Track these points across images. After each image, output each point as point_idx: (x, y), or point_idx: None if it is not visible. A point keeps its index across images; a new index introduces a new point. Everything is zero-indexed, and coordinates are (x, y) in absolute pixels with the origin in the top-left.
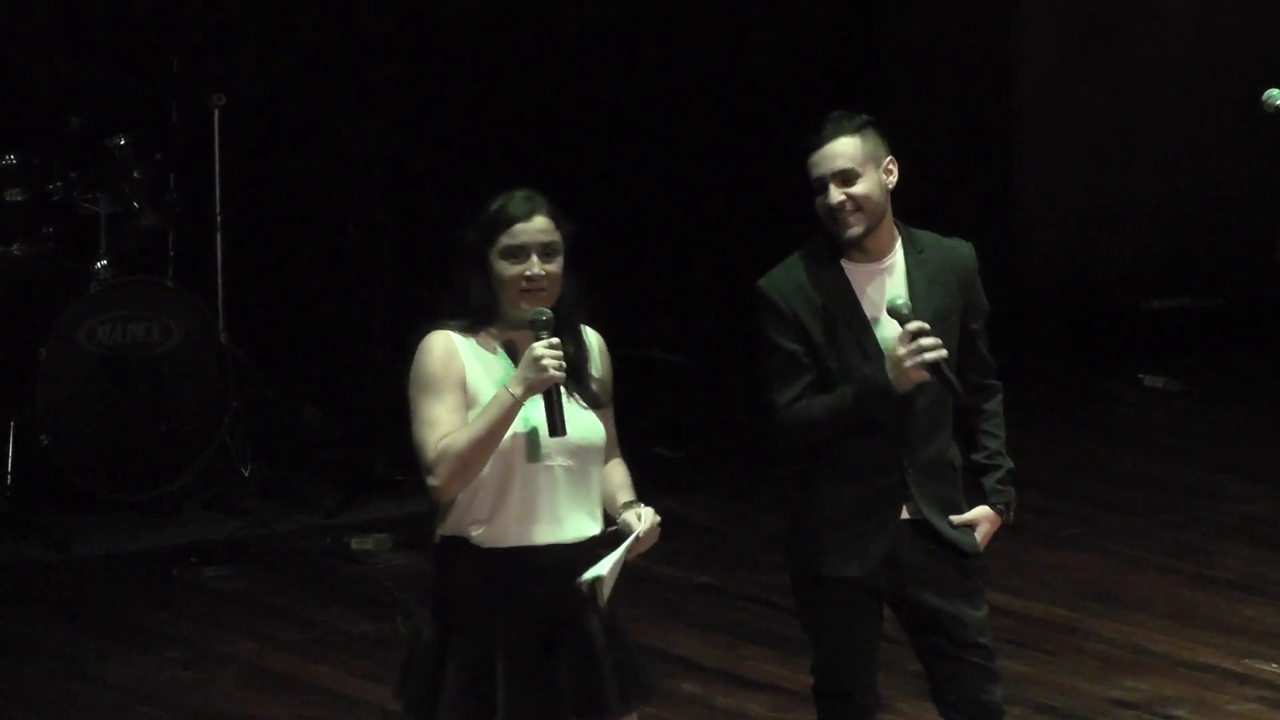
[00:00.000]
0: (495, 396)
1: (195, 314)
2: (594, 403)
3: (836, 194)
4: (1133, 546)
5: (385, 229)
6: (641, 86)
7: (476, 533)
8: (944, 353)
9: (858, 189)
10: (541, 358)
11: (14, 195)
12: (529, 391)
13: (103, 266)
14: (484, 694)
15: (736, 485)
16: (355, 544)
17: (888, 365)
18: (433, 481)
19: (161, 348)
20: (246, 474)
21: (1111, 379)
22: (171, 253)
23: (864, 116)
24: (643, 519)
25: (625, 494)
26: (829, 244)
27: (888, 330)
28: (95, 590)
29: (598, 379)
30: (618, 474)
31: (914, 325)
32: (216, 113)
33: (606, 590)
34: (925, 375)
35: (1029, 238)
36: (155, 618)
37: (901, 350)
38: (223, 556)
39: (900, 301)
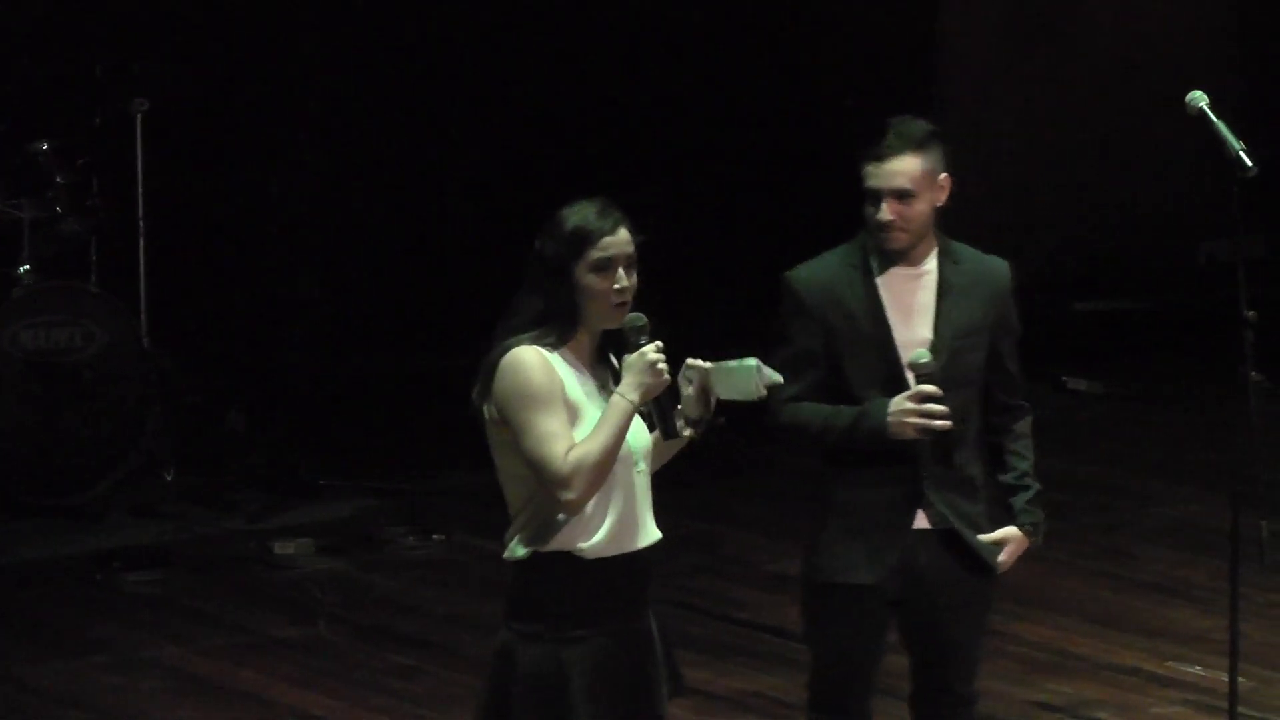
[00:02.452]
0: (612, 404)
1: (119, 319)
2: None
3: (888, 212)
4: (1056, 549)
5: (309, 235)
6: (581, 88)
7: (586, 544)
8: (947, 424)
9: (910, 209)
10: (656, 362)
11: None
12: (644, 397)
13: (25, 271)
14: (610, 702)
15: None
16: (278, 549)
17: (890, 408)
18: (569, 495)
19: (85, 353)
20: (170, 479)
21: (1034, 382)
22: (94, 258)
23: (930, 128)
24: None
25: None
26: (865, 245)
27: (908, 335)
28: (19, 595)
29: None
30: None
31: (927, 389)
32: (139, 118)
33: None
34: (920, 435)
35: (953, 239)
36: (79, 623)
37: (909, 405)
38: (147, 561)
39: (924, 360)
